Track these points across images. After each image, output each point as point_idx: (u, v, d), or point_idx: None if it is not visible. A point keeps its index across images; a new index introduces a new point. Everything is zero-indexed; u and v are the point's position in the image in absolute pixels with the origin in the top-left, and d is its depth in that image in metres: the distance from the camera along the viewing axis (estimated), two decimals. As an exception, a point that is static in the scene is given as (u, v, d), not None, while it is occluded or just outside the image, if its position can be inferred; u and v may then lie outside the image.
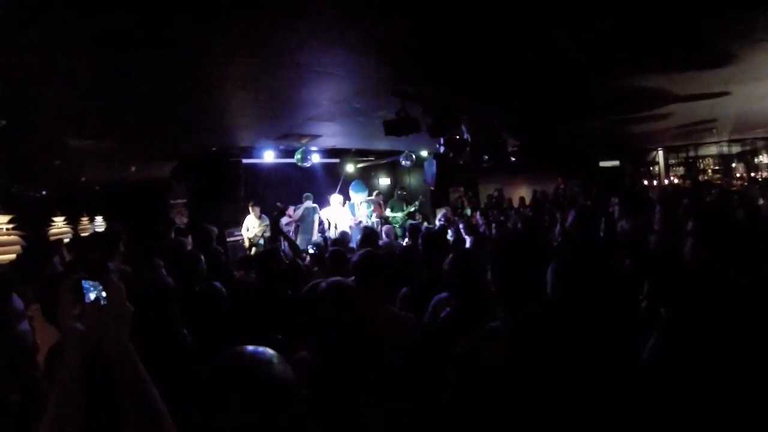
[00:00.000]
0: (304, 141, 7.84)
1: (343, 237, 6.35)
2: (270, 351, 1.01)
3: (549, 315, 1.54)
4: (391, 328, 2.18)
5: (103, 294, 1.13)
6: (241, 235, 9.10)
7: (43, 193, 10.85)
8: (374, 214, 10.11)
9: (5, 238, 4.62)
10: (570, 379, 1.39)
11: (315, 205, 9.43)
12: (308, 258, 5.23)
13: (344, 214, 9.80)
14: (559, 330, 1.48)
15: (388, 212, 10.51)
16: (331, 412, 1.56)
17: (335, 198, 9.94)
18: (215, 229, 5.15)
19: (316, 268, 4.57)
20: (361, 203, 10.16)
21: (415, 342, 2.17)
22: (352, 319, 1.75)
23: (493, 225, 5.87)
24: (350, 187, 10.35)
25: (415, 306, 2.87)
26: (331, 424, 1.54)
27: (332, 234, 9.04)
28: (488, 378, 1.45)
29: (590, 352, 1.42)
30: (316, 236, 8.91)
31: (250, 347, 1.01)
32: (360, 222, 9.62)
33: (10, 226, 4.81)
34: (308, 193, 9.40)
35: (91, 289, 1.13)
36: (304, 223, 9.21)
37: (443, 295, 2.71)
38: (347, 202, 10.12)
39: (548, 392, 1.40)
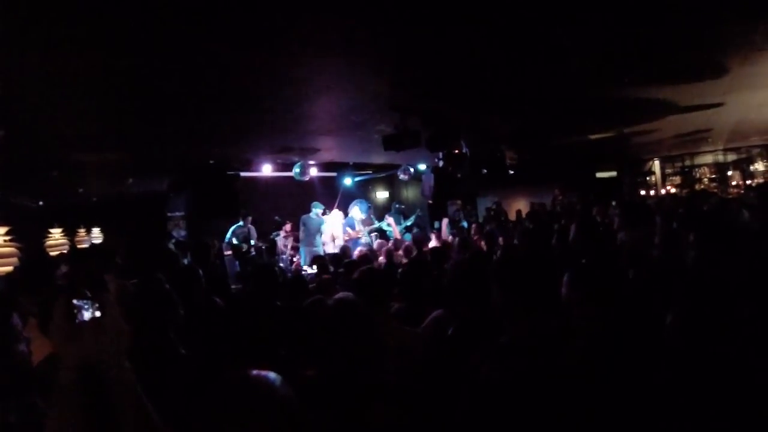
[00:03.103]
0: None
1: (345, 251, 6.34)
2: (273, 374, 1.01)
3: (556, 328, 1.53)
4: (398, 340, 2.18)
5: (98, 313, 1.10)
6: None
7: (40, 203, 10.78)
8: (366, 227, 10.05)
9: (3, 249, 4.57)
10: (578, 391, 1.38)
11: (323, 217, 9.34)
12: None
13: (341, 228, 9.77)
14: (567, 342, 1.47)
15: (384, 224, 10.44)
16: (337, 424, 1.55)
17: (335, 213, 9.90)
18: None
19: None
20: (359, 220, 10.14)
21: (423, 355, 2.16)
22: (360, 332, 1.76)
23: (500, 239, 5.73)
24: (355, 203, 10.30)
25: (408, 322, 2.81)
26: None
27: (330, 249, 9.00)
28: (499, 393, 1.44)
29: (599, 364, 1.41)
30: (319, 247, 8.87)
31: (254, 371, 1.01)
32: (360, 237, 9.60)
33: (8, 237, 4.76)
34: (316, 202, 9.34)
35: (85, 307, 1.10)
36: (307, 234, 9.14)
37: (438, 311, 2.65)
38: (348, 216, 10.09)
39: (556, 406, 1.38)
